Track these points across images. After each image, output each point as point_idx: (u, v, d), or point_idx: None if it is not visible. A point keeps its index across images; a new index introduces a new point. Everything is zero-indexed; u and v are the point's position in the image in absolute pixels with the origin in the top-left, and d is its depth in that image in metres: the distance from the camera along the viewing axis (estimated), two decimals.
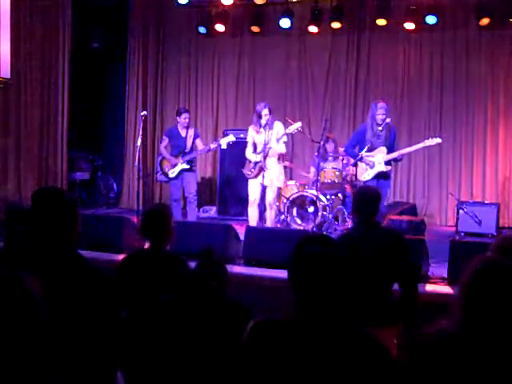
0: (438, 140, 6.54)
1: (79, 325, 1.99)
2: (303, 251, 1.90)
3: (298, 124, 6.79)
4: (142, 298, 2.97)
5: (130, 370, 2.80)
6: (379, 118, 6.34)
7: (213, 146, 7.48)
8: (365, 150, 6.36)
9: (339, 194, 7.45)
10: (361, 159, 6.43)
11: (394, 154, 6.39)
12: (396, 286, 3.66)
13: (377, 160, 6.38)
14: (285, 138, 6.85)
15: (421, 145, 6.58)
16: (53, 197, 2.19)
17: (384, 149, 6.39)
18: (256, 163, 6.81)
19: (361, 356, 1.78)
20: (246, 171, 6.98)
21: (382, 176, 6.40)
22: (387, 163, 6.40)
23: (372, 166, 6.40)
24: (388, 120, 6.51)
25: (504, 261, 1.87)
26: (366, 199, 3.68)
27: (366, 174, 6.46)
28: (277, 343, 1.82)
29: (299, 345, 1.80)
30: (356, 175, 6.74)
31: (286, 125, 7.99)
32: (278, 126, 6.81)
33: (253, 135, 6.91)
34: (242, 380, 1.89)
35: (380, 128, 6.40)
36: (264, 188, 6.80)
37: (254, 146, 6.95)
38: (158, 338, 2.50)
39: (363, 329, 1.85)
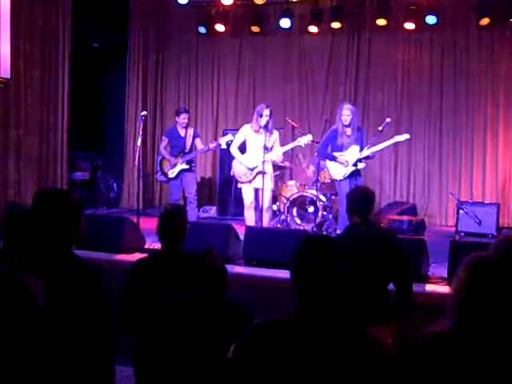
0: (407, 136, 6.87)
1: (78, 326, 1.99)
2: (304, 251, 1.91)
3: (309, 137, 6.73)
4: (162, 298, 2.94)
5: (142, 370, 2.80)
6: (344, 118, 6.58)
7: (212, 145, 7.49)
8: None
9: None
10: (335, 159, 6.65)
11: (366, 152, 6.60)
12: (392, 286, 3.67)
13: (350, 159, 6.59)
14: (282, 150, 6.77)
15: (391, 141, 6.78)
16: (56, 198, 2.18)
17: (356, 147, 6.62)
18: (252, 168, 6.65)
19: (361, 356, 1.78)
20: (238, 175, 6.79)
21: (356, 173, 6.64)
22: (360, 161, 6.64)
23: (346, 165, 6.61)
24: (388, 120, 6.65)
25: (497, 259, 1.87)
26: (360, 199, 3.69)
27: (341, 173, 6.66)
28: (278, 343, 1.82)
29: (300, 345, 1.80)
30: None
31: (286, 125, 8.01)
32: (276, 135, 6.75)
33: (245, 134, 6.73)
34: (243, 381, 1.89)
35: (348, 129, 6.63)
36: (257, 190, 6.72)
37: (243, 145, 6.80)
38: (164, 338, 2.50)
39: (364, 329, 1.86)
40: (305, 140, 6.71)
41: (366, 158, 6.70)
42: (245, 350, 1.87)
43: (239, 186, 6.88)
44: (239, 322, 2.41)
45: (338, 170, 6.68)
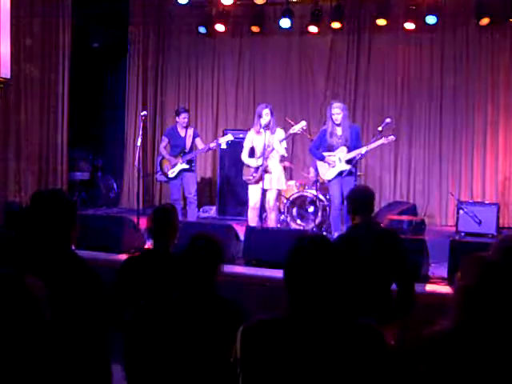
0: (392, 138, 6.60)
1: (77, 325, 1.99)
2: (299, 251, 1.91)
3: (303, 123, 6.70)
4: (147, 298, 2.96)
5: (132, 370, 2.81)
6: (334, 117, 6.46)
7: (212, 145, 7.48)
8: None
9: None
10: (323, 159, 6.59)
11: (352, 154, 6.46)
12: (394, 286, 3.67)
13: (337, 159, 6.51)
14: (285, 144, 6.77)
15: (379, 141, 6.54)
16: (50, 198, 2.19)
17: (344, 148, 6.50)
18: (257, 168, 6.70)
19: (357, 349, 1.79)
20: (246, 177, 6.83)
21: (347, 174, 6.48)
22: (348, 162, 6.49)
23: (333, 166, 6.54)
24: (388, 120, 6.56)
25: (500, 261, 1.88)
26: (361, 199, 3.68)
27: (328, 173, 6.61)
28: (273, 342, 1.83)
29: (295, 342, 1.81)
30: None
31: (287, 125, 8.00)
32: (280, 132, 6.75)
33: (251, 139, 6.80)
34: (241, 380, 1.89)
35: (339, 128, 6.51)
36: (264, 191, 6.73)
37: (252, 150, 6.84)
38: (156, 337, 2.50)
39: (359, 321, 1.86)
40: (298, 126, 6.66)
41: (353, 159, 6.46)
42: (245, 347, 1.88)
43: (249, 187, 6.87)
44: (233, 323, 2.41)
45: (325, 171, 6.64)
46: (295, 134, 6.85)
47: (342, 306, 1.85)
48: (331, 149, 6.57)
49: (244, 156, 6.88)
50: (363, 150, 6.48)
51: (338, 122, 6.48)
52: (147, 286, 3.02)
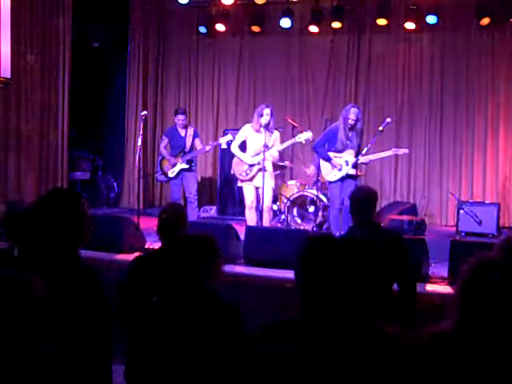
0: (406, 150, 6.92)
1: (77, 326, 1.99)
2: (312, 251, 1.92)
3: (309, 134, 6.72)
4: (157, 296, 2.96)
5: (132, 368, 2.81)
6: (350, 121, 6.46)
7: (208, 148, 7.48)
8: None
9: None
10: (330, 161, 6.57)
11: (363, 159, 6.51)
12: (395, 286, 3.67)
13: (344, 162, 6.53)
14: (280, 147, 6.78)
15: (389, 152, 6.81)
16: (66, 198, 2.18)
17: (352, 151, 6.53)
18: (251, 165, 6.71)
19: (368, 347, 1.80)
20: (238, 173, 6.81)
21: (348, 176, 6.54)
22: (354, 166, 6.50)
23: (340, 169, 6.54)
24: (388, 120, 6.56)
25: (501, 261, 1.88)
26: (363, 199, 3.68)
27: (332, 175, 6.60)
28: (287, 342, 1.84)
29: (309, 342, 1.82)
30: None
31: (287, 125, 8.03)
32: (277, 135, 6.76)
33: (246, 133, 6.78)
34: (249, 381, 1.90)
35: (350, 132, 6.53)
36: (258, 189, 6.72)
37: (243, 144, 6.83)
38: (150, 338, 2.50)
39: (367, 321, 1.87)
40: (305, 136, 6.70)
41: (362, 163, 6.61)
42: (254, 352, 1.89)
43: (239, 184, 6.90)
44: (227, 320, 2.41)
45: (329, 172, 6.62)
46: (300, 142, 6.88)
47: (348, 304, 1.87)
48: (340, 149, 6.55)
49: (235, 148, 6.83)
50: (373, 157, 6.64)
51: (350, 127, 6.49)
52: (156, 285, 3.01)
